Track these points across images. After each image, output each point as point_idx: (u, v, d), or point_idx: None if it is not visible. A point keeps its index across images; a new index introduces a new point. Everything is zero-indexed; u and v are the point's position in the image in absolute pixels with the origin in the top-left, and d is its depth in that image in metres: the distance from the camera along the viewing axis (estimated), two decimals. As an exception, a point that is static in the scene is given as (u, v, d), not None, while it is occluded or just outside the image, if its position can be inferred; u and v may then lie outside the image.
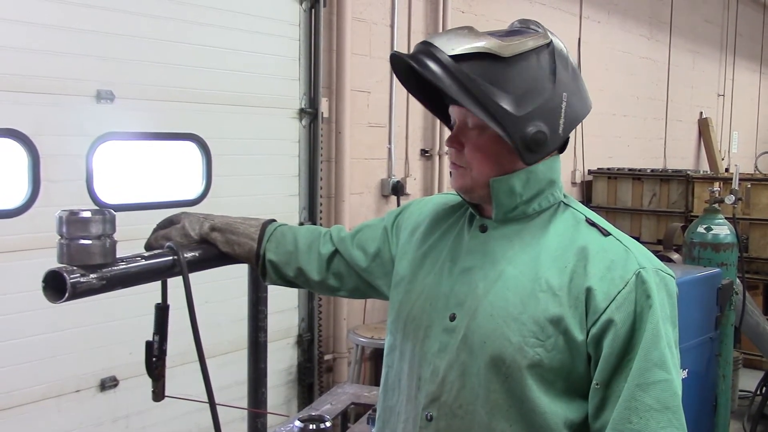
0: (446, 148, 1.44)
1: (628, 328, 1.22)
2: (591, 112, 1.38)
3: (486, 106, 1.25)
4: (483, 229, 1.38)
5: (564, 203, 1.38)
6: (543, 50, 1.30)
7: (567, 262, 1.28)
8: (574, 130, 1.35)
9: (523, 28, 1.34)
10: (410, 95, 1.47)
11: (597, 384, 1.25)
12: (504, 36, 1.30)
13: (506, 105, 1.25)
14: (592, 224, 1.33)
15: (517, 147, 1.26)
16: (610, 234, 1.31)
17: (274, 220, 1.67)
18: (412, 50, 1.32)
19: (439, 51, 1.26)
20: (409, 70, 1.36)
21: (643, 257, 1.28)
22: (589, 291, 1.24)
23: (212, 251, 1.61)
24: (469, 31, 1.30)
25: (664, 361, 1.22)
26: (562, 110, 1.30)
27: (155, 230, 1.63)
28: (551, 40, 1.32)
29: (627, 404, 1.21)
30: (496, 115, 1.25)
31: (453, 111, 1.38)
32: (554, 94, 1.29)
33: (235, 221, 1.63)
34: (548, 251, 1.31)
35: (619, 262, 1.26)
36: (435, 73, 1.25)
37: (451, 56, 1.25)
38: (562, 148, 1.38)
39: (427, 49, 1.28)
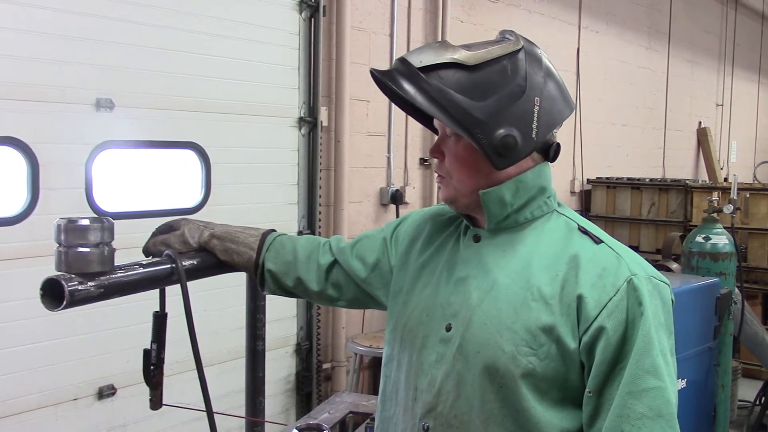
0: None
1: (620, 336, 1.22)
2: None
3: (453, 114, 1.27)
4: (477, 239, 1.39)
5: (558, 212, 1.38)
6: (513, 56, 1.32)
7: (558, 270, 1.28)
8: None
9: (499, 38, 1.37)
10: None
11: (590, 392, 1.25)
12: (474, 47, 1.33)
13: (474, 111, 1.27)
14: (585, 232, 1.34)
15: (486, 152, 1.29)
16: (603, 242, 1.32)
17: (273, 230, 1.67)
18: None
19: (409, 65, 1.30)
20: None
21: (636, 265, 1.28)
22: (580, 299, 1.24)
23: (211, 259, 1.60)
24: (441, 44, 1.33)
25: (657, 369, 1.21)
26: (535, 114, 1.31)
27: (154, 235, 1.62)
28: (522, 46, 1.33)
29: (619, 412, 1.21)
30: (464, 121, 1.27)
31: (435, 123, 1.42)
32: (525, 98, 1.30)
33: (235, 230, 1.63)
34: (540, 259, 1.31)
35: (611, 269, 1.26)
36: (403, 86, 1.29)
37: (418, 68, 1.29)
38: (553, 156, 1.39)
39: (399, 64, 1.32)
